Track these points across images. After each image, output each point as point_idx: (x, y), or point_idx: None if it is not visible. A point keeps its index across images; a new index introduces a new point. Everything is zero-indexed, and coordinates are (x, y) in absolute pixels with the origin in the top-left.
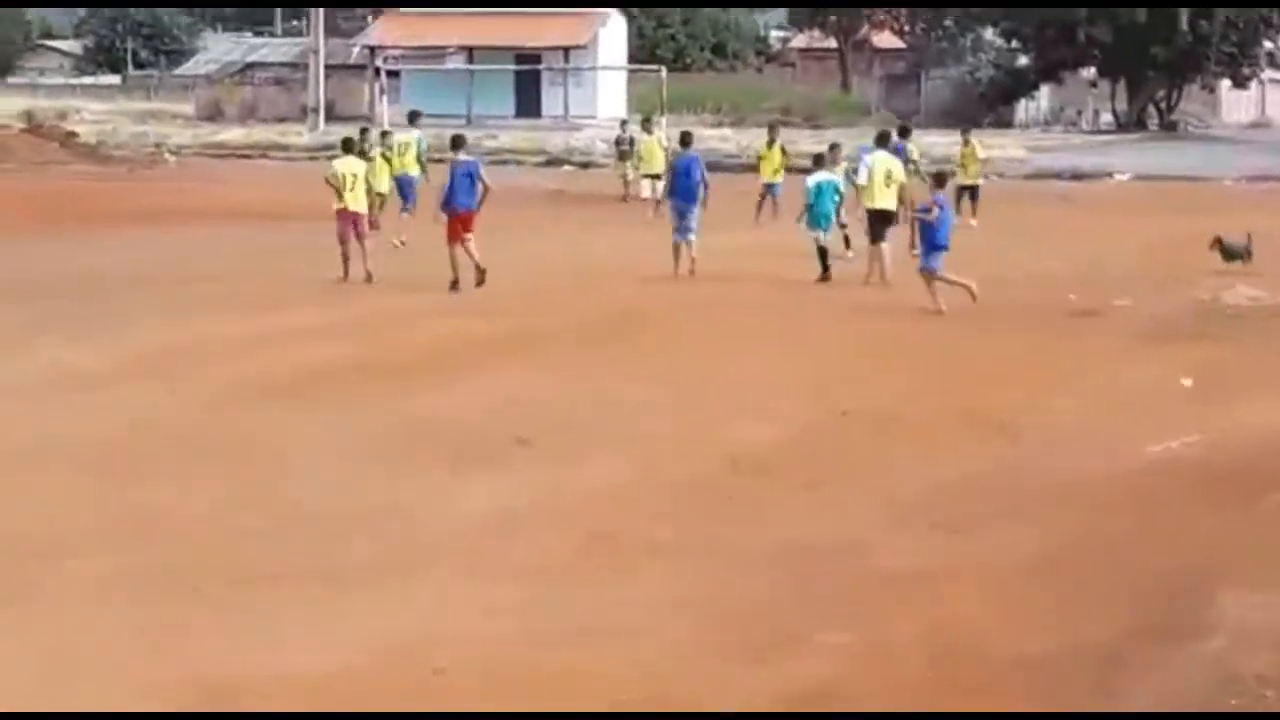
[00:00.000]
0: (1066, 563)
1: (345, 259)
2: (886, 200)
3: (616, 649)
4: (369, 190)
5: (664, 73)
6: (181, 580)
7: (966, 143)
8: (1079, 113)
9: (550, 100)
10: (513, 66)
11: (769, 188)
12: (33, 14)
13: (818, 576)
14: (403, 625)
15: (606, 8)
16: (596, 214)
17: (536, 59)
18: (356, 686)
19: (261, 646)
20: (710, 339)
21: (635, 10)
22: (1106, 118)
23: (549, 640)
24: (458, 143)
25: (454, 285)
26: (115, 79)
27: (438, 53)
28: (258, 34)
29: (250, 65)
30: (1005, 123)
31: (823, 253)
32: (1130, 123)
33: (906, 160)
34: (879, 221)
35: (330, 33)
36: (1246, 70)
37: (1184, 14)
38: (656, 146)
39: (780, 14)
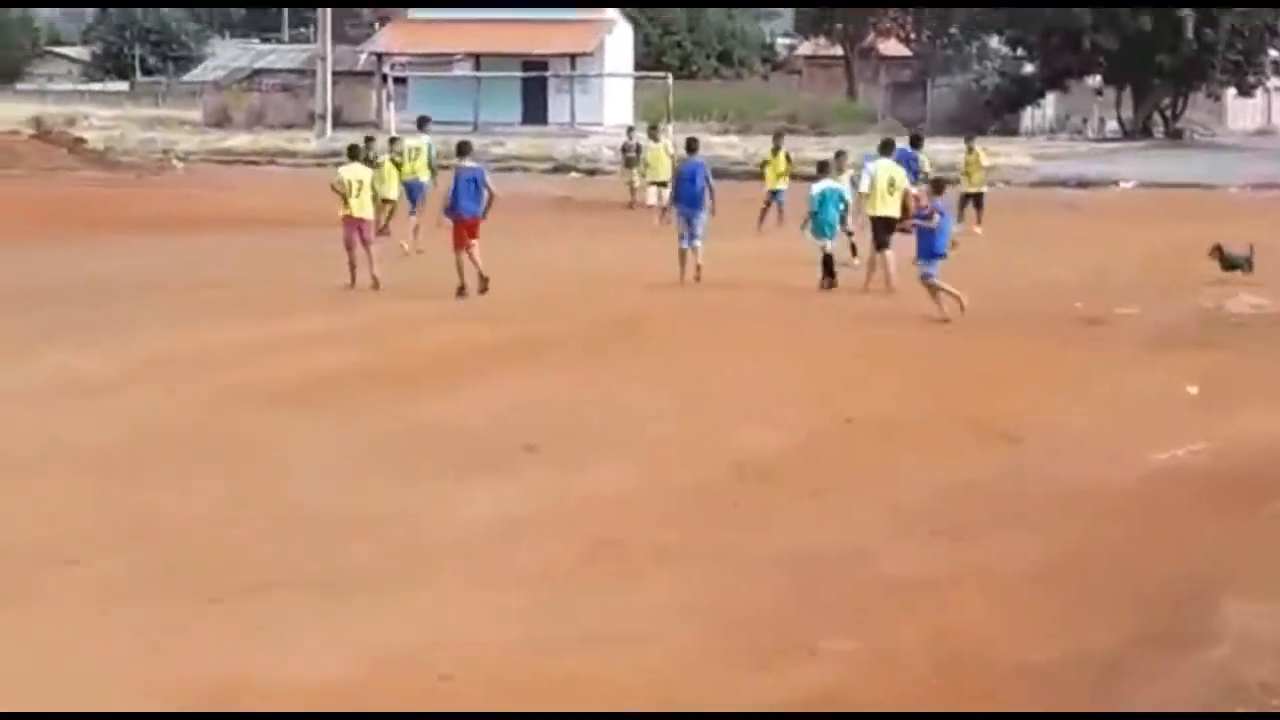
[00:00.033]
0: (1071, 570)
1: (351, 265)
2: (889, 208)
3: (622, 655)
4: (375, 197)
5: (670, 80)
6: (184, 584)
7: (970, 150)
8: (1084, 120)
9: (557, 107)
10: (519, 73)
11: (774, 195)
12: (41, 20)
13: (823, 583)
14: (407, 631)
15: (611, 8)
16: (603, 221)
17: (543, 66)
18: (360, 692)
19: (264, 651)
20: (716, 345)
21: (642, 18)
22: (1112, 125)
23: (554, 646)
24: (463, 149)
25: (460, 291)
26: (123, 85)
27: (445, 60)
28: (265, 40)
29: (258, 72)
30: (1011, 130)
31: (828, 260)
32: (1136, 130)
33: (917, 172)
34: (883, 229)
35: (337, 39)
36: (1252, 78)
37: (1189, 21)
38: (663, 154)
39: (786, 22)
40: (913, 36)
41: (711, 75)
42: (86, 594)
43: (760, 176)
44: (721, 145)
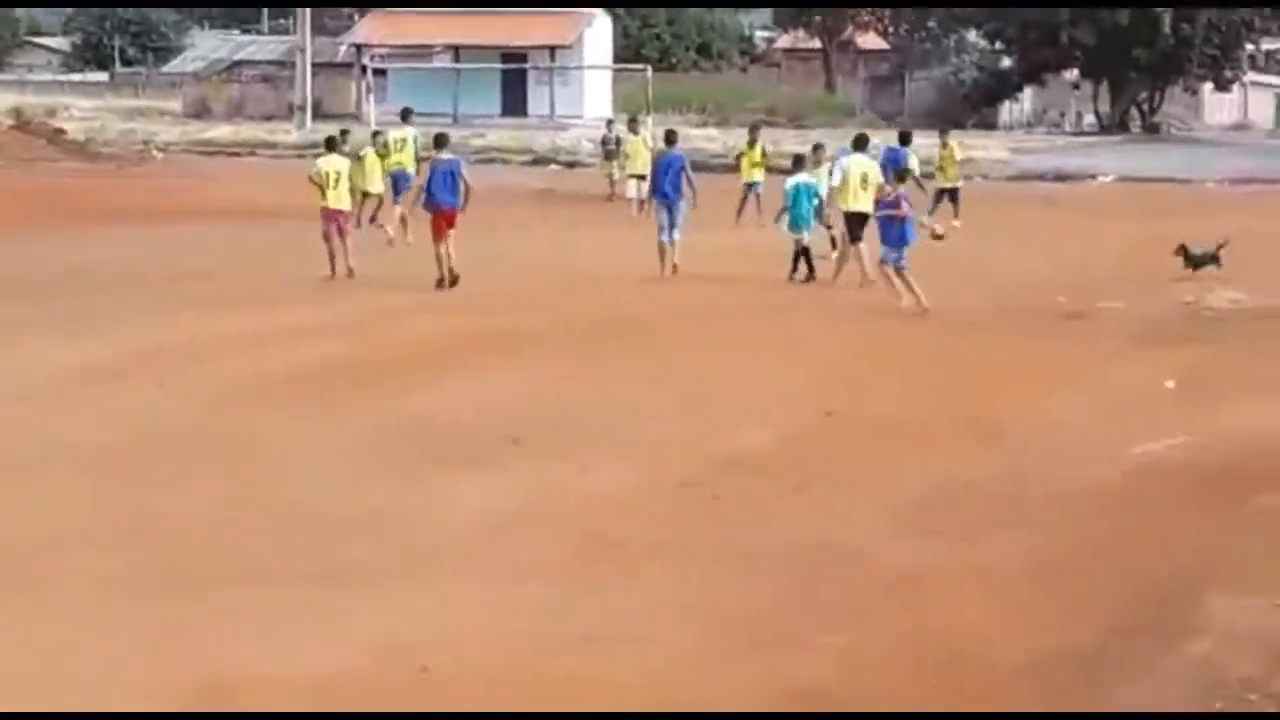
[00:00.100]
0: (1057, 565)
1: (331, 257)
2: (862, 203)
3: (616, 650)
4: (352, 188)
5: (649, 72)
6: (179, 581)
7: (945, 145)
8: (1062, 114)
9: (536, 99)
10: (499, 65)
11: (750, 186)
12: (21, 11)
13: (817, 580)
14: (403, 627)
15: (592, 8)
16: (583, 213)
17: (523, 58)
18: (355, 688)
19: (260, 647)
20: (701, 339)
21: (621, 10)
22: (1089, 119)
23: (550, 642)
24: (440, 141)
25: (440, 283)
26: (103, 76)
27: (424, 51)
28: (245, 32)
29: (237, 63)
30: (989, 124)
31: (805, 253)
32: (1113, 124)
33: (904, 170)
34: (856, 224)
35: (317, 31)
36: (1229, 73)
37: (1166, 16)
38: (642, 146)
39: (765, 14)
40: (891, 30)
41: (690, 68)
42: (83, 592)
43: (738, 169)
44: (700, 138)
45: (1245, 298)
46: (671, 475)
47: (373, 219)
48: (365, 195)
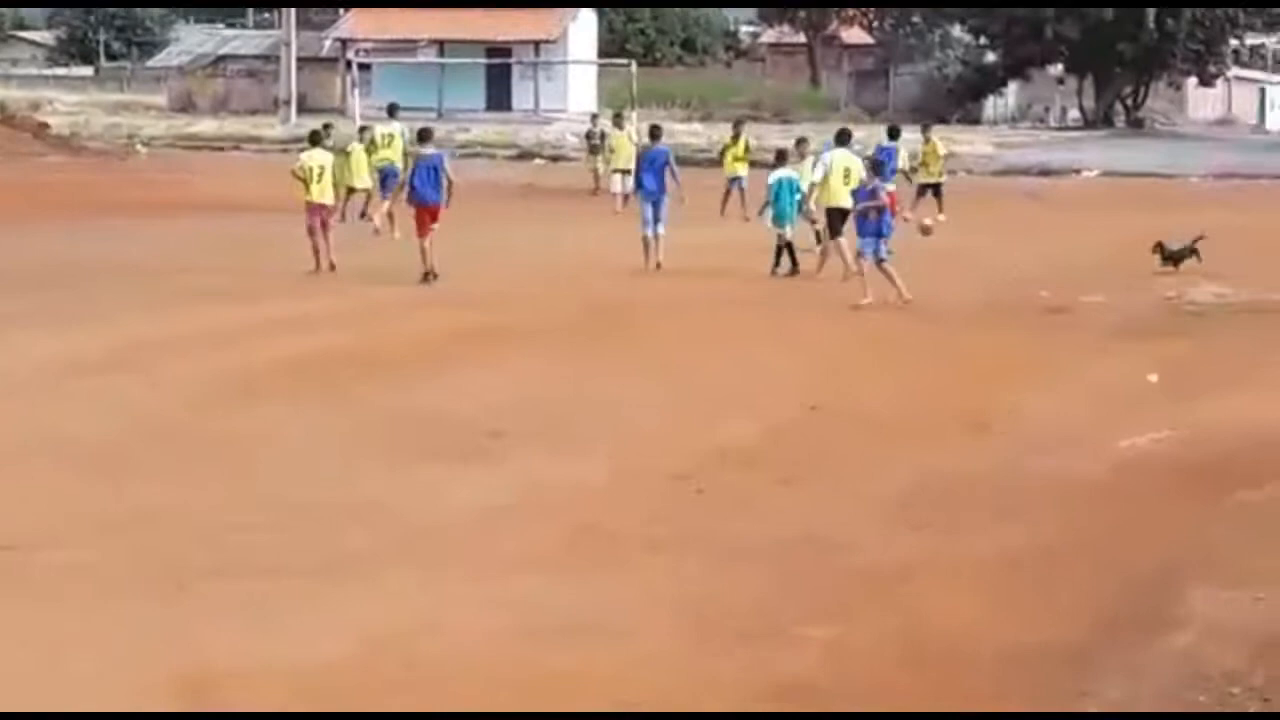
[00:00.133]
0: (1042, 558)
1: (316, 251)
2: (843, 198)
3: (604, 644)
4: (336, 182)
5: (634, 67)
6: (168, 574)
7: (927, 140)
8: (1046, 109)
9: (521, 94)
10: (484, 60)
11: (733, 181)
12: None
13: (803, 574)
14: (391, 619)
15: (577, 7)
16: (567, 208)
17: (507, 53)
18: (345, 680)
19: (249, 640)
20: (683, 333)
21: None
22: (1074, 114)
23: (537, 635)
24: (424, 136)
25: (425, 277)
26: (88, 70)
27: (409, 46)
28: (230, 26)
29: (222, 57)
30: (973, 119)
31: (789, 248)
32: (1097, 119)
33: (892, 166)
34: (837, 218)
35: (302, 25)
36: (1213, 68)
37: (1151, 11)
38: (627, 141)
39: (750, 9)
40: (875, 25)
41: (675, 62)
42: (70, 586)
43: (721, 164)
44: (685, 132)
45: (1228, 292)
46: (658, 469)
47: (363, 214)
48: (351, 190)
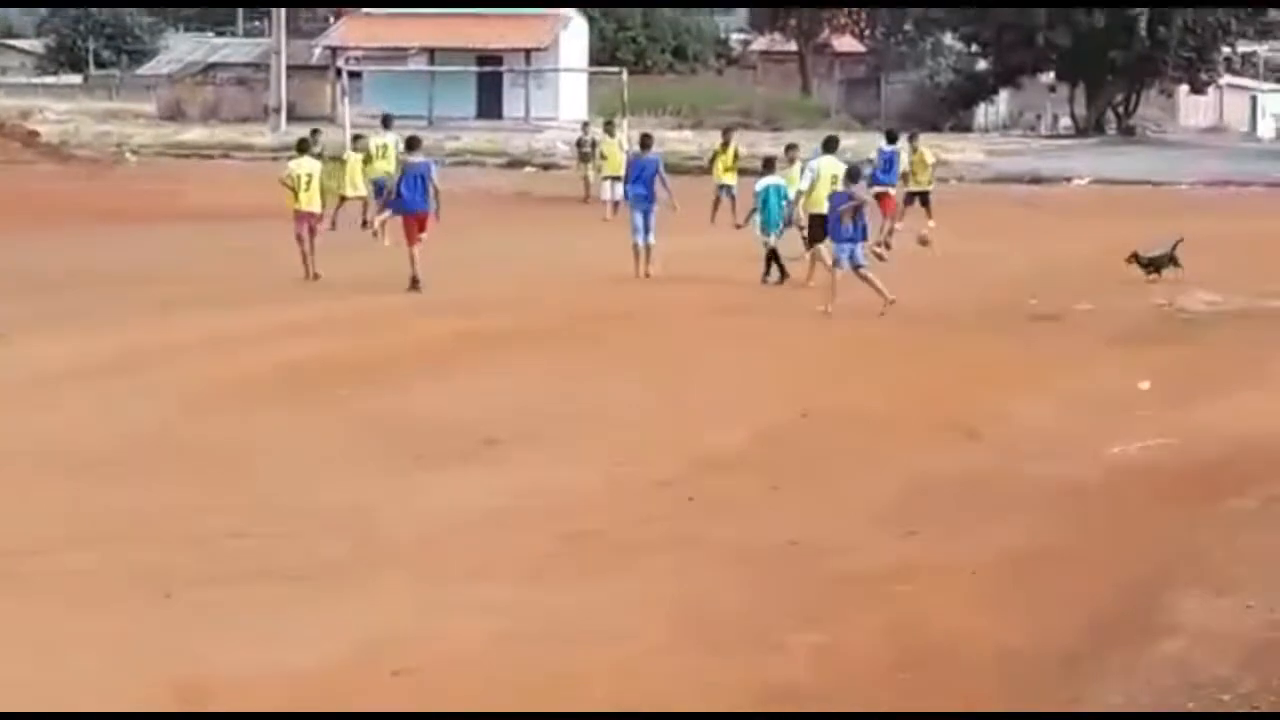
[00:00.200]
0: (1034, 565)
1: (305, 258)
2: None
3: (592, 650)
4: (324, 190)
5: (625, 75)
6: (155, 580)
7: (915, 149)
8: (1038, 117)
9: (512, 102)
10: (474, 68)
11: (724, 189)
12: None
13: (793, 579)
14: (379, 625)
15: (567, 8)
16: (558, 215)
17: (498, 61)
18: (333, 686)
19: (237, 646)
20: (673, 340)
21: (596, 12)
22: (1065, 122)
23: (523, 642)
24: (412, 145)
25: (412, 284)
26: (77, 79)
27: (399, 54)
28: (220, 34)
29: (212, 65)
30: (965, 127)
31: (774, 255)
32: (1089, 127)
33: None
34: (819, 226)
35: (292, 33)
36: (1204, 75)
37: (1142, 19)
38: (618, 149)
39: (741, 17)
40: (867, 33)
41: (666, 70)
42: (56, 592)
43: (711, 171)
44: (676, 140)
45: (1219, 299)
46: (650, 475)
47: (364, 223)
48: (344, 199)
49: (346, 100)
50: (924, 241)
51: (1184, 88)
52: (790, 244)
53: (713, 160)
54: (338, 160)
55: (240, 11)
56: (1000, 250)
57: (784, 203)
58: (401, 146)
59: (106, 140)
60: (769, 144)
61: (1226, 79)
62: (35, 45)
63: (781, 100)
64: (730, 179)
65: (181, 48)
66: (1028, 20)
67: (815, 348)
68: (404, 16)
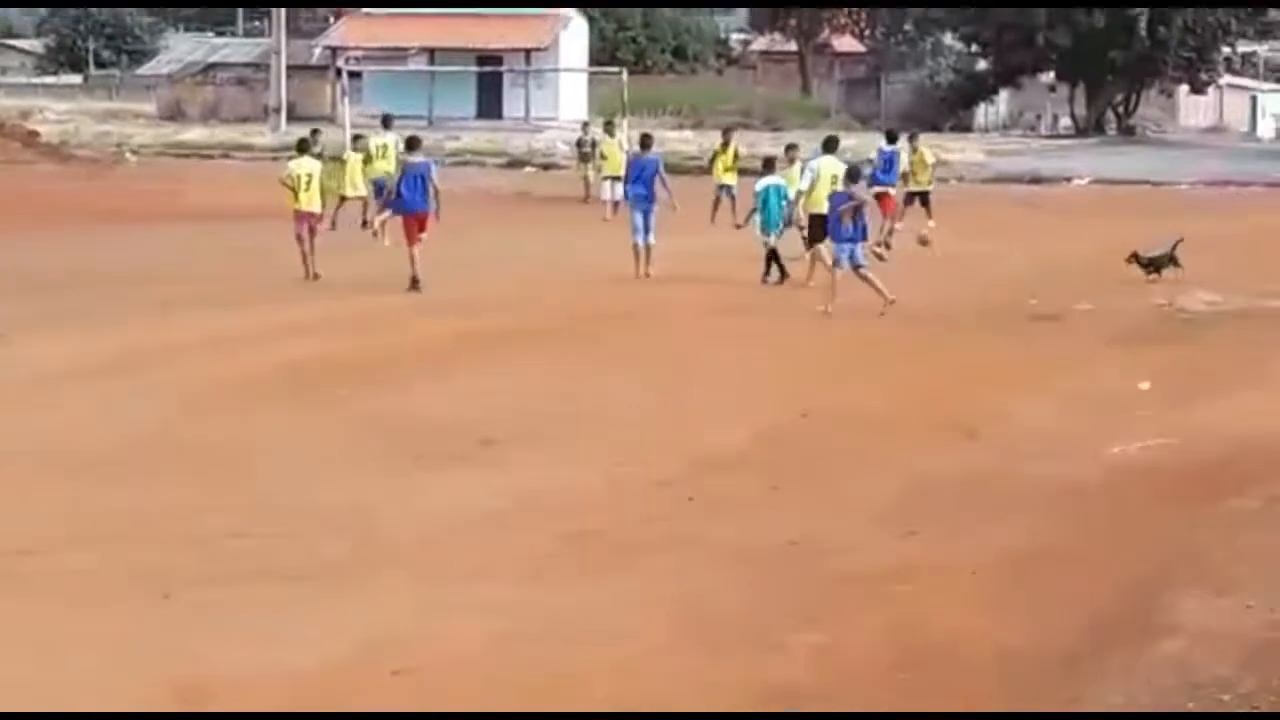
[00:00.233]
0: (1034, 565)
1: (305, 258)
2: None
3: (591, 651)
4: (324, 190)
5: (625, 75)
6: (155, 580)
7: (915, 149)
8: (1038, 117)
9: (511, 102)
10: (474, 68)
11: (724, 189)
12: None
13: (793, 579)
14: (379, 625)
15: (567, 8)
16: (558, 215)
17: (498, 61)
18: (333, 686)
19: (237, 646)
20: (673, 340)
21: (596, 13)
22: (1065, 122)
23: (523, 642)
24: (412, 145)
25: (412, 284)
26: (77, 79)
27: (399, 54)
28: (219, 34)
29: (212, 65)
30: (965, 127)
31: (775, 255)
32: (1089, 127)
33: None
34: (819, 226)
35: (292, 33)
36: (1204, 75)
37: (1142, 19)
38: (618, 148)
39: (741, 17)
40: (867, 33)
41: (666, 70)
42: (56, 592)
43: (711, 171)
44: (676, 140)
45: (1219, 298)
46: (649, 475)
47: (364, 223)
48: (344, 199)
49: (346, 100)
50: (924, 242)
51: (1184, 88)
52: (790, 244)
53: (713, 160)
54: (337, 160)
55: (240, 11)
56: (1000, 250)
57: (784, 203)
58: (401, 146)
59: (106, 140)
60: (769, 144)
61: (1226, 79)
62: (35, 45)
63: (781, 100)
64: (730, 179)
65: (181, 48)
66: (1028, 20)
67: (815, 348)
68: (404, 16)
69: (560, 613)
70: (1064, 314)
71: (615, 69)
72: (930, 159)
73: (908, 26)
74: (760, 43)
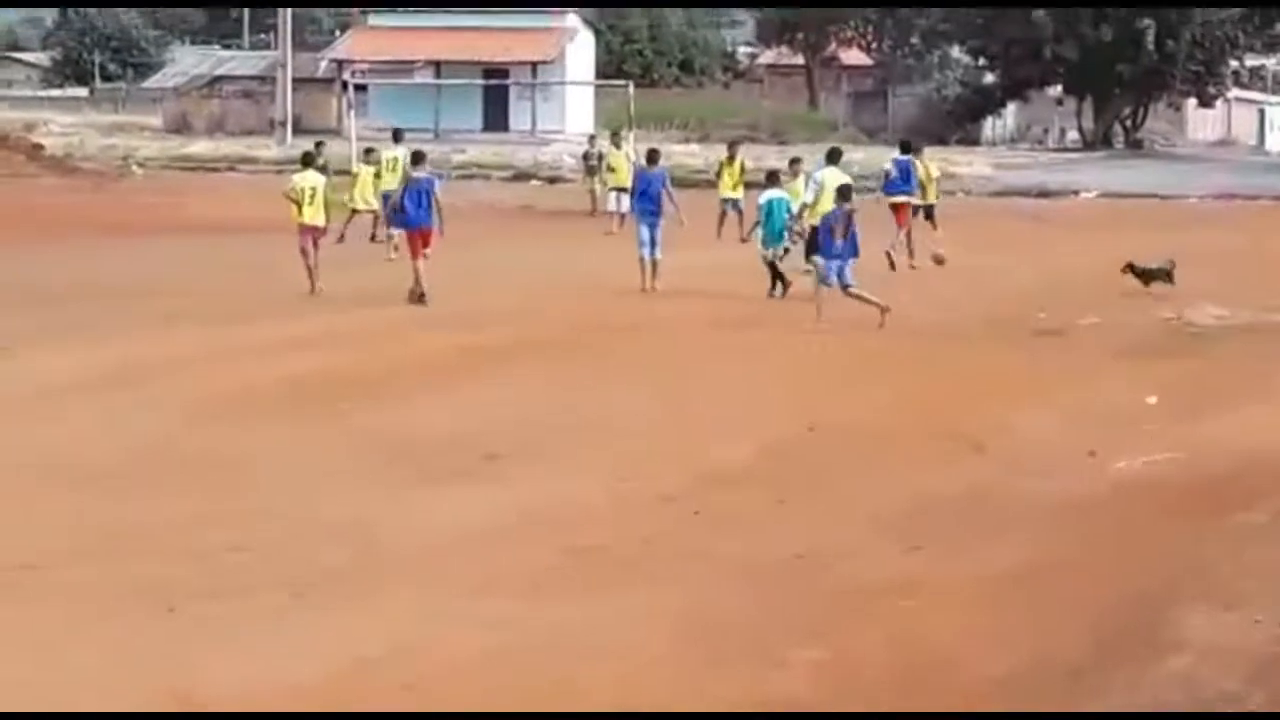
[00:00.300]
0: (1038, 580)
1: (309, 271)
2: None
3: (593, 665)
4: (328, 204)
5: (631, 88)
6: (157, 593)
7: (919, 164)
8: (1045, 130)
9: (518, 115)
10: (481, 81)
11: (729, 203)
12: None
13: (797, 594)
14: (381, 638)
15: (571, 12)
16: (564, 229)
17: (504, 74)
18: (333, 700)
19: (237, 659)
20: (678, 353)
21: (603, 26)
22: (1073, 135)
23: (524, 655)
24: (417, 159)
25: (419, 299)
26: (83, 91)
27: (405, 67)
28: (225, 47)
29: (218, 78)
30: (972, 140)
31: (774, 268)
32: (1096, 140)
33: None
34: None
35: (298, 46)
36: (1212, 89)
37: (1150, 32)
38: (625, 160)
39: (748, 30)
40: (874, 46)
41: (673, 84)
42: (57, 605)
43: (716, 185)
44: (682, 154)
45: (1227, 313)
46: (654, 489)
47: (373, 237)
48: (355, 212)
49: (352, 113)
50: (939, 260)
51: (1192, 101)
52: (791, 258)
53: (718, 174)
54: (345, 173)
55: (246, 24)
56: (1007, 264)
57: (787, 216)
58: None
59: (112, 153)
60: (775, 158)
61: (1234, 92)
62: (41, 58)
63: (788, 114)
64: (736, 193)
65: (187, 61)
66: (1035, 33)
67: (821, 361)
68: (410, 29)
69: (563, 626)
70: (1071, 327)
71: (621, 82)
72: (935, 172)
73: (915, 39)
74: (767, 56)
